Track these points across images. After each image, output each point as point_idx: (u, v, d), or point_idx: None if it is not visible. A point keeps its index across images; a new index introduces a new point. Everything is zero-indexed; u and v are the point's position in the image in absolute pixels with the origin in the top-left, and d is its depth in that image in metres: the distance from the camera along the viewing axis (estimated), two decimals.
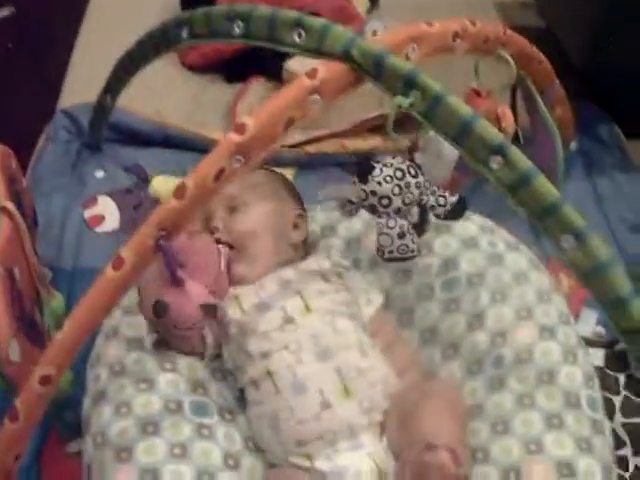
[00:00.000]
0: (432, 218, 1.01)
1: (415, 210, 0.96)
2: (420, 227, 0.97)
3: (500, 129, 1.20)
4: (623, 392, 1.13)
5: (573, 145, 1.50)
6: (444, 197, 0.99)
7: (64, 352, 0.85)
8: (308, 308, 0.99)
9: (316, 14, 1.72)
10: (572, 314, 1.09)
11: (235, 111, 1.62)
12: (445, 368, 1.05)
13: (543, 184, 0.85)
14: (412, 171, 0.95)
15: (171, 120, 1.58)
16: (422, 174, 0.97)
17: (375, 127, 1.50)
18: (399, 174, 0.94)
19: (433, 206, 0.98)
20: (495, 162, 0.85)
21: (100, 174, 1.48)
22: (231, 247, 1.03)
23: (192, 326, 0.95)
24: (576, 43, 1.57)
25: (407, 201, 0.95)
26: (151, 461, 0.88)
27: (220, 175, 0.84)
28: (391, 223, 0.95)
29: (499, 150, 0.85)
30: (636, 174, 1.53)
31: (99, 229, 1.39)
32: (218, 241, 1.02)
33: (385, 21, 1.84)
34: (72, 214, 1.40)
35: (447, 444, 0.86)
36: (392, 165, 0.95)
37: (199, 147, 1.47)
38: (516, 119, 1.35)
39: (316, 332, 0.97)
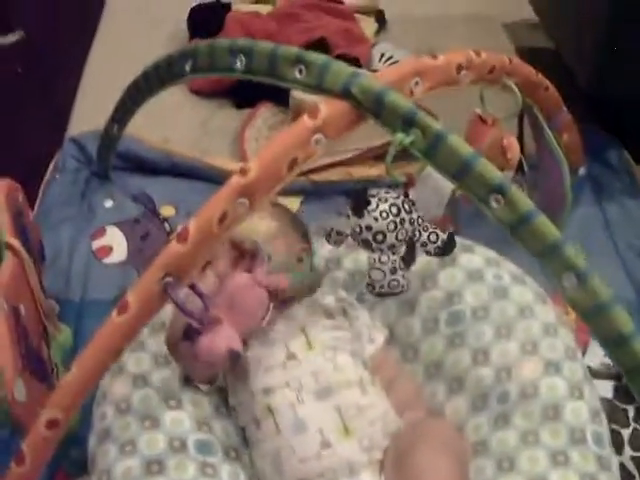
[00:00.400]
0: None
1: (405, 245, 0.96)
2: (408, 262, 0.97)
3: (505, 159, 1.20)
4: (632, 424, 1.12)
5: (582, 170, 1.49)
6: (436, 234, 0.99)
7: (71, 395, 0.85)
8: (310, 345, 0.99)
9: (324, 37, 1.77)
10: (580, 345, 1.08)
11: (243, 137, 1.62)
12: (450, 404, 1.04)
13: (544, 223, 0.84)
14: (407, 207, 0.95)
15: (179, 146, 1.59)
16: (416, 210, 0.96)
17: (381, 155, 1.49)
18: (395, 210, 0.94)
19: (425, 242, 0.98)
20: (495, 201, 0.85)
21: (109, 204, 1.48)
22: None
23: (213, 363, 0.93)
24: (583, 66, 1.56)
25: (400, 237, 0.95)
26: None
27: (224, 219, 0.83)
28: (384, 258, 0.95)
29: (499, 190, 0.84)
30: None
31: (107, 260, 1.39)
32: None
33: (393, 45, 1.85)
34: (80, 245, 1.40)
35: None
36: (387, 200, 0.94)
37: (206, 175, 1.48)
38: (523, 147, 1.35)
39: (317, 369, 0.97)
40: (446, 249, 1.00)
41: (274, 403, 0.96)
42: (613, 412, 1.13)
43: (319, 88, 0.91)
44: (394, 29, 1.99)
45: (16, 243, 1.05)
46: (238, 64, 0.99)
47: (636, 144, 1.58)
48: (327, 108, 0.88)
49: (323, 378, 0.96)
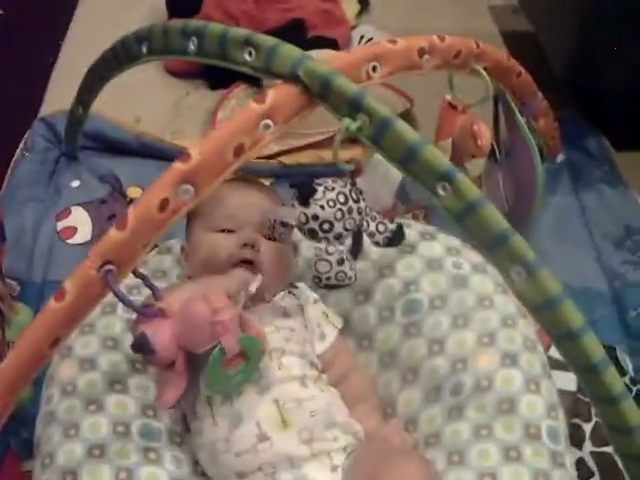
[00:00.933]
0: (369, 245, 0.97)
1: (351, 236, 0.93)
2: (355, 252, 0.94)
3: (476, 145, 1.18)
4: (595, 419, 1.10)
5: (560, 157, 1.47)
6: (384, 224, 0.96)
7: (6, 383, 0.82)
8: None
9: (301, 18, 1.74)
10: (547, 336, 1.06)
11: (215, 118, 1.60)
12: (403, 394, 1.02)
13: (491, 213, 0.80)
14: (354, 196, 0.92)
15: (151, 126, 1.57)
16: (363, 199, 0.94)
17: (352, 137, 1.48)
18: (342, 198, 0.91)
19: (372, 233, 0.95)
20: (442, 189, 0.82)
21: (75, 184, 1.46)
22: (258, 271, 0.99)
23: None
24: (561, 53, 1.53)
25: (348, 227, 0.92)
26: None
27: (165, 206, 0.80)
28: (331, 249, 0.92)
29: (446, 177, 0.81)
30: (623, 188, 1.49)
31: (71, 241, 1.38)
32: (250, 262, 0.99)
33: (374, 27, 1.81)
34: (44, 226, 1.39)
35: None
36: (334, 189, 0.91)
37: (175, 157, 1.44)
38: (498, 132, 1.33)
39: (262, 368, 0.93)
40: (394, 240, 0.97)
41: (213, 395, 0.93)
42: (576, 405, 1.11)
43: (268, 71, 0.88)
44: (377, 11, 1.94)
45: None
46: (191, 46, 0.96)
47: (616, 131, 1.55)
48: (275, 93, 0.85)
49: (266, 375, 0.93)
